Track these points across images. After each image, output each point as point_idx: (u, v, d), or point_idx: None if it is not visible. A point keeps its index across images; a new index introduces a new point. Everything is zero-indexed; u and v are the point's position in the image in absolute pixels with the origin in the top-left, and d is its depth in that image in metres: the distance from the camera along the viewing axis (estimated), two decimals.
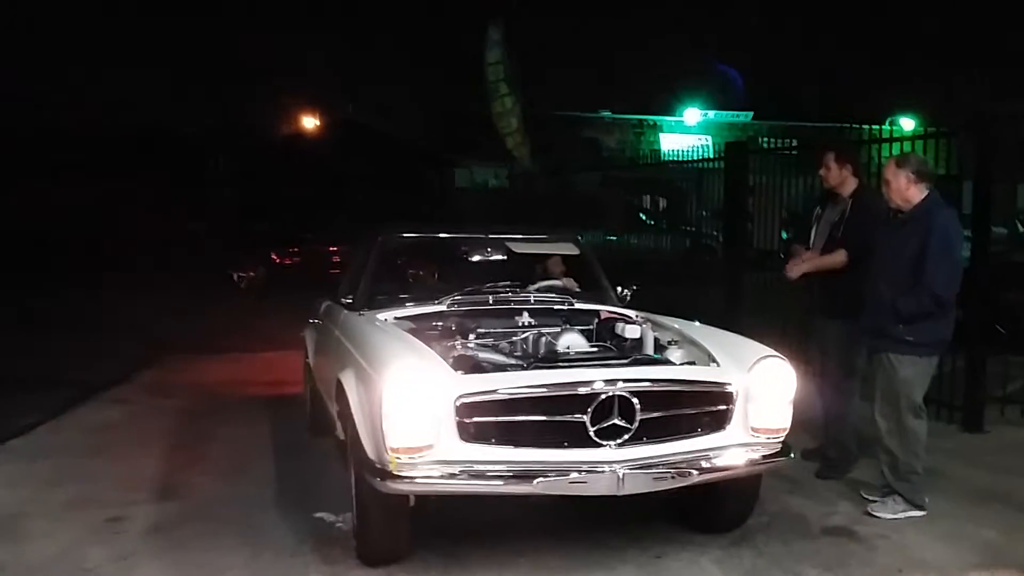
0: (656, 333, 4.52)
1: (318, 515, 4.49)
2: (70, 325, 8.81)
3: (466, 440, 3.52)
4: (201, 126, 20.03)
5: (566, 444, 3.59)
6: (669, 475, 3.65)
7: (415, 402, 3.46)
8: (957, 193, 6.81)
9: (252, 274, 13.02)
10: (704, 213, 11.10)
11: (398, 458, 3.45)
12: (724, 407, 3.84)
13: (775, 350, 4.14)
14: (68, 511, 4.55)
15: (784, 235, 11.25)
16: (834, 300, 5.25)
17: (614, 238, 12.95)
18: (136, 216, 17.58)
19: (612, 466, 3.56)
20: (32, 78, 18.66)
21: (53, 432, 6.11)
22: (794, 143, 8.83)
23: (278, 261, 13.85)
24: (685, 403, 3.82)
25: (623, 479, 3.54)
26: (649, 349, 4.40)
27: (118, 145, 18.65)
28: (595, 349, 4.36)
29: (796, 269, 5.38)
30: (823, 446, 5.44)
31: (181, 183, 19.74)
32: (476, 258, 5.33)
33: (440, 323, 4.57)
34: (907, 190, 4.69)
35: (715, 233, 10.39)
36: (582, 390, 3.61)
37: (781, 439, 3.97)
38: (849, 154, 5.48)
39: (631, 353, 4.25)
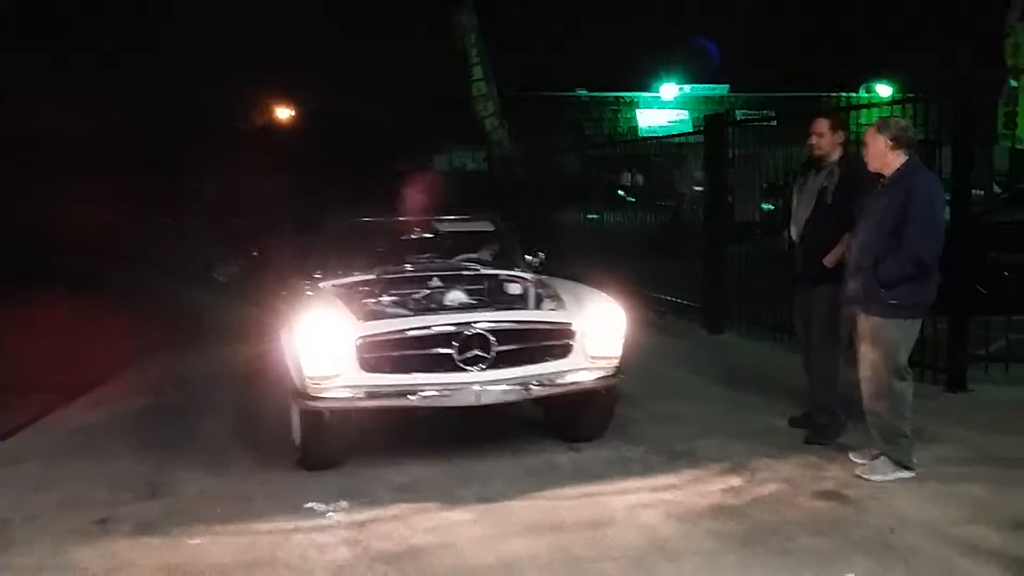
0: (540, 290, 5.59)
1: (308, 505, 4.48)
2: (44, 326, 8.70)
3: (365, 369, 4.73)
4: (175, 120, 19.79)
5: (439, 370, 4.78)
6: (517, 390, 4.84)
7: (322, 341, 4.70)
8: (937, 157, 6.84)
9: (232, 268, 12.88)
10: (684, 187, 11.10)
11: (313, 384, 4.66)
12: (567, 341, 5.02)
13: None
14: (55, 514, 4.49)
15: (765, 207, 11.29)
16: (819, 266, 5.25)
17: (595, 216, 12.94)
18: (109, 215, 17.32)
19: (472, 385, 4.76)
20: None
21: (36, 435, 6.03)
22: (772, 114, 8.82)
23: (258, 254, 13.68)
24: (534, 338, 5.00)
25: (479, 394, 4.76)
26: (528, 301, 5.50)
27: (89, 143, 18.37)
28: (472, 301, 5.43)
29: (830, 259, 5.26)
30: (811, 412, 5.46)
31: (158, 179, 19.51)
32: (410, 236, 6.61)
33: (367, 287, 5.63)
34: (886, 155, 4.69)
35: (695, 207, 10.39)
36: (449, 330, 4.82)
37: (615, 364, 5.12)
38: (842, 121, 5.47)
39: (506, 304, 5.38)
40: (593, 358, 5.05)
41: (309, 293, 5.53)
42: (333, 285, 5.62)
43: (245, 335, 8.34)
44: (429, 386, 4.75)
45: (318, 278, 5.75)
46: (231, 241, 14.59)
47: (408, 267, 5.90)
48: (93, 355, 8.20)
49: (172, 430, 5.97)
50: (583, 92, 24.28)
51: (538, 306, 5.37)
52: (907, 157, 4.67)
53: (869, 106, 7.15)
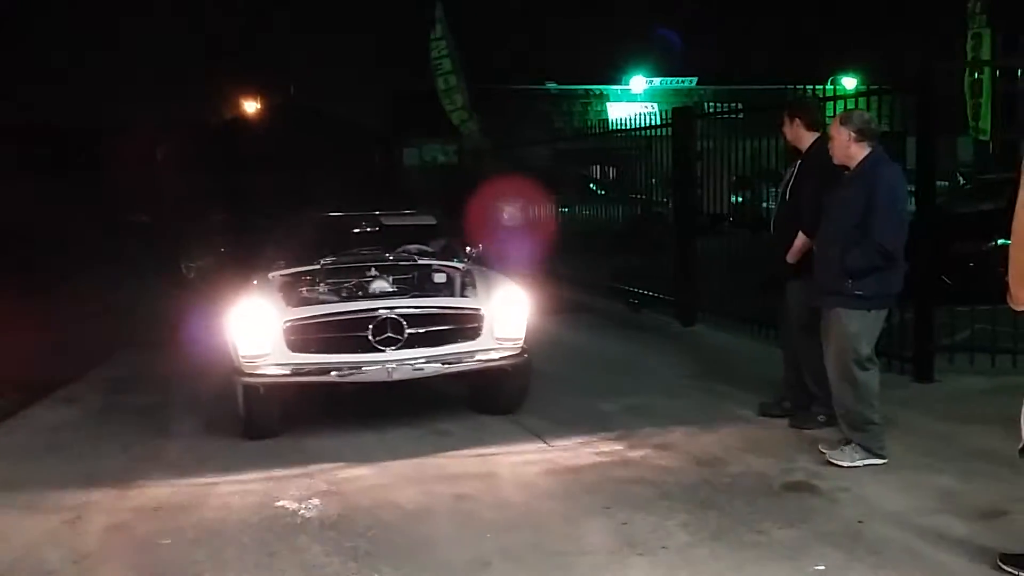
0: (462, 278, 6.08)
1: (279, 503, 4.48)
2: (13, 323, 8.55)
3: (292, 350, 5.34)
4: (143, 117, 19.48)
5: (357, 350, 5.36)
6: (427, 367, 5.42)
7: (253, 325, 5.36)
8: (901, 148, 6.92)
9: (201, 264, 12.79)
10: (653, 180, 11.14)
11: (248, 362, 5.31)
12: (475, 324, 5.56)
13: None
14: (25, 513, 4.44)
15: (734, 199, 11.37)
16: (785, 261, 5.30)
17: (566, 209, 12.95)
18: (77, 212, 17.06)
19: (386, 363, 5.32)
20: None
21: (6, 434, 5.95)
22: (740, 106, 8.87)
23: (225, 249, 13.58)
24: (444, 321, 5.55)
25: (392, 370, 5.32)
26: (446, 289, 5.97)
27: (53, 140, 18.07)
28: (395, 289, 5.89)
29: (791, 253, 5.31)
30: (781, 400, 5.54)
31: (126, 175, 19.19)
32: (359, 230, 7.24)
33: (309, 276, 6.12)
34: (849, 147, 4.75)
35: (665, 200, 10.43)
36: (365, 314, 5.42)
37: (519, 346, 5.66)
38: (797, 108, 5.51)
39: (423, 292, 5.88)
40: (499, 339, 5.60)
41: (254, 282, 6.11)
42: (280, 275, 6.14)
43: (211, 329, 8.27)
44: (347, 364, 5.36)
45: (270, 268, 6.29)
46: (204, 236, 14.46)
47: (349, 258, 6.43)
48: (65, 352, 8.11)
49: (145, 428, 5.89)
50: (553, 85, 24.26)
51: (454, 293, 5.88)
52: (870, 149, 4.73)
53: (836, 98, 7.20)
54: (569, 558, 3.80)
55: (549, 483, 4.71)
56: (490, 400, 5.97)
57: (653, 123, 9.99)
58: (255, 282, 6.12)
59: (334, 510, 4.40)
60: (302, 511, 4.40)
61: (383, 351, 5.37)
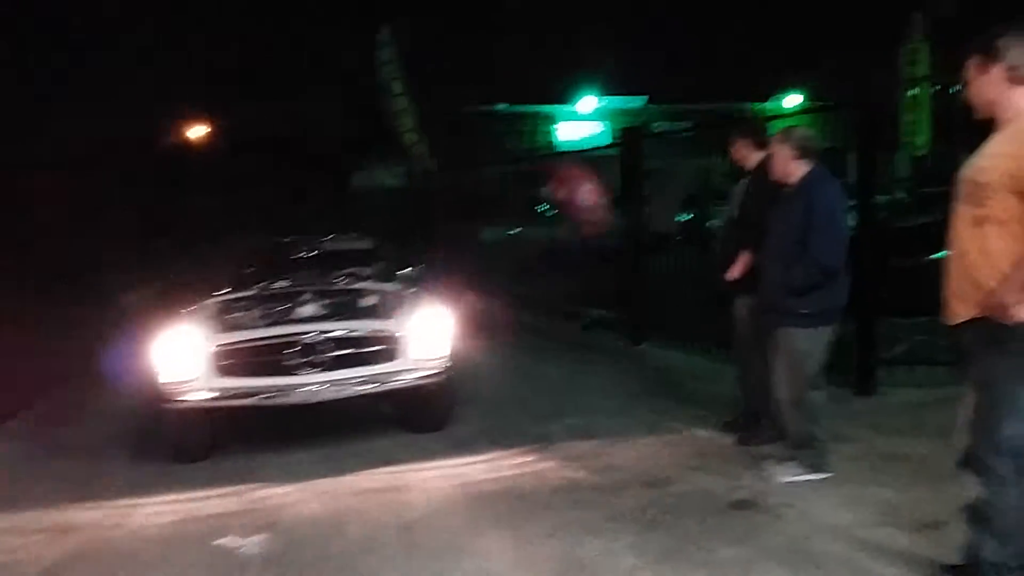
0: (390, 301, 6.26)
1: (217, 543, 4.40)
2: None
3: (220, 375, 5.49)
4: (86, 141, 19.01)
5: (281, 374, 5.54)
6: (347, 389, 5.58)
7: (179, 352, 5.51)
8: (843, 164, 7.05)
9: (143, 295, 12.52)
10: (602, 200, 11.20)
11: (172, 388, 5.47)
12: (393, 346, 5.73)
13: None
14: None
15: (681, 217, 11.48)
16: (739, 278, 5.34)
17: (517, 230, 12.97)
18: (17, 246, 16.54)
19: (308, 386, 5.51)
20: None
21: None
22: (686, 126, 8.98)
23: (173, 276, 13.35)
24: (363, 344, 5.72)
25: (314, 393, 5.51)
26: (371, 313, 6.10)
27: None
28: (321, 313, 6.02)
29: (732, 272, 5.38)
30: (739, 416, 5.57)
31: (69, 203, 18.72)
32: (298, 255, 7.48)
33: (245, 302, 6.34)
34: (788, 164, 4.80)
35: (613, 219, 10.48)
36: (289, 339, 5.61)
37: (441, 364, 5.81)
38: (744, 127, 5.58)
39: (348, 316, 5.99)
40: (420, 360, 5.77)
41: (184, 309, 6.26)
42: (213, 302, 6.38)
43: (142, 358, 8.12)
44: (271, 387, 5.52)
45: (205, 295, 6.51)
46: (149, 265, 14.20)
47: (281, 284, 6.67)
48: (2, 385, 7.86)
49: (85, 467, 5.73)
50: (503, 106, 24.37)
51: (379, 317, 6.00)
52: (810, 166, 4.79)
53: (780, 116, 7.33)
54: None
55: (496, 509, 4.66)
56: (418, 418, 6.11)
57: (602, 143, 10.06)
58: (185, 309, 6.26)
59: (260, 527, 4.55)
60: (231, 535, 4.48)
61: (306, 374, 5.57)
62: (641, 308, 9.04)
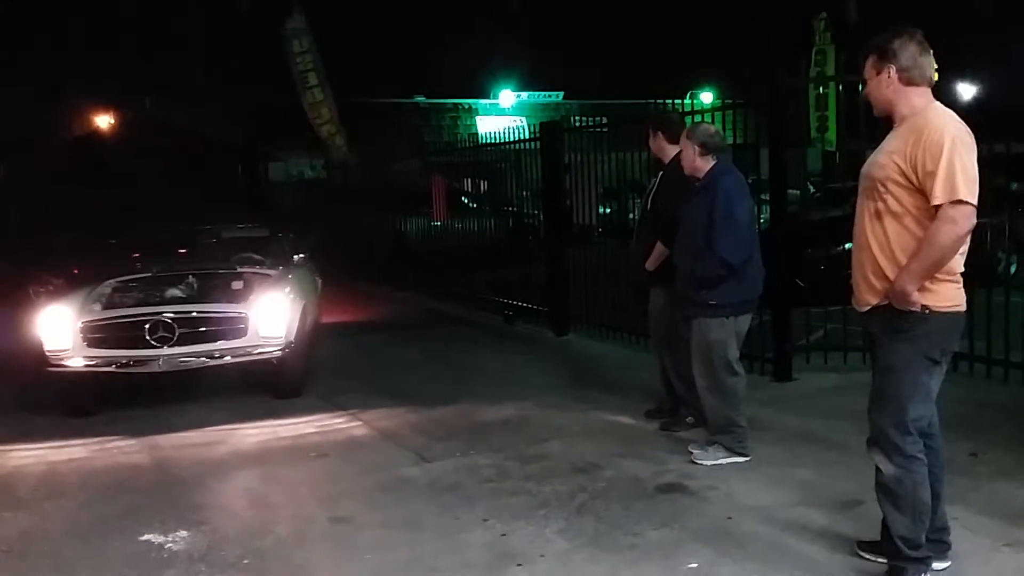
0: (256, 285, 7.04)
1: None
2: None
3: (89, 345, 6.45)
4: None
5: (139, 347, 6.47)
6: (195, 361, 6.50)
7: (56, 325, 6.46)
8: (755, 160, 7.26)
9: (52, 288, 12.04)
10: (524, 193, 11.26)
11: (53, 355, 6.41)
12: (241, 325, 6.60)
13: None
14: None
15: (602, 210, 11.62)
16: (654, 270, 5.45)
17: (438, 224, 12.93)
18: None
19: (159, 357, 6.43)
20: None
21: None
22: (605, 120, 9.10)
23: (78, 271, 12.84)
24: (213, 323, 6.61)
25: (163, 363, 6.42)
26: (231, 295, 6.93)
27: None
28: (185, 295, 6.91)
29: (649, 263, 5.48)
30: (661, 404, 5.68)
31: None
32: (193, 243, 8.48)
33: (134, 284, 7.10)
34: (695, 160, 4.93)
35: (535, 212, 10.57)
36: (144, 318, 6.52)
37: (284, 342, 6.66)
38: (660, 123, 5.69)
39: (208, 298, 6.86)
40: (264, 337, 6.61)
41: (66, 291, 7.07)
42: (111, 284, 7.06)
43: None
44: (133, 358, 6.46)
45: (101, 279, 7.10)
46: (55, 257, 13.63)
47: (161, 269, 7.35)
48: None
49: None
50: (422, 99, 24.21)
51: (231, 300, 6.85)
52: (715, 161, 4.91)
53: (693, 112, 7.49)
54: (448, 573, 3.77)
55: (427, 498, 4.66)
56: (272, 387, 6.92)
57: (522, 137, 10.11)
58: (67, 291, 7.11)
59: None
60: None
61: (159, 347, 6.44)
62: (565, 299, 9.14)
